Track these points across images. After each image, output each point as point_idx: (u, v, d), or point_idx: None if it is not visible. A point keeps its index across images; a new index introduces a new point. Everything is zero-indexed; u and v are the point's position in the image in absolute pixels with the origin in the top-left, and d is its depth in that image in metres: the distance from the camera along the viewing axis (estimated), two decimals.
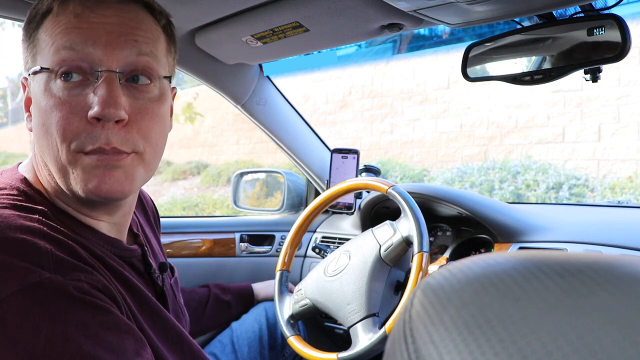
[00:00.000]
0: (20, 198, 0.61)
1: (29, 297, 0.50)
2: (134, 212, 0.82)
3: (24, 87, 0.67)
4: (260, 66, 1.37)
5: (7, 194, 0.61)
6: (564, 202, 4.38)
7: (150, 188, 7.93)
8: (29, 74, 0.63)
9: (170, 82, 0.69)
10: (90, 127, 0.59)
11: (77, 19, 0.59)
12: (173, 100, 0.75)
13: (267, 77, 1.40)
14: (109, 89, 0.58)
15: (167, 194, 7.66)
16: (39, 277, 0.51)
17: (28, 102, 0.65)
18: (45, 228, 0.57)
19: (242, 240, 1.49)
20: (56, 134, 0.59)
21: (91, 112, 0.58)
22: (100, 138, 0.59)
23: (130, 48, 0.61)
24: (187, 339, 0.72)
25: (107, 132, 0.59)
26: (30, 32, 0.63)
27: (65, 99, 0.59)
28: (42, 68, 0.60)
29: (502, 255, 0.26)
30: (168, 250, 1.38)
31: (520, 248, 1.10)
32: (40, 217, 0.58)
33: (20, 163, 0.71)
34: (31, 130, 0.65)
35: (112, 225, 0.70)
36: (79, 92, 0.59)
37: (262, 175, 1.82)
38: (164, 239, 1.37)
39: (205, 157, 8.63)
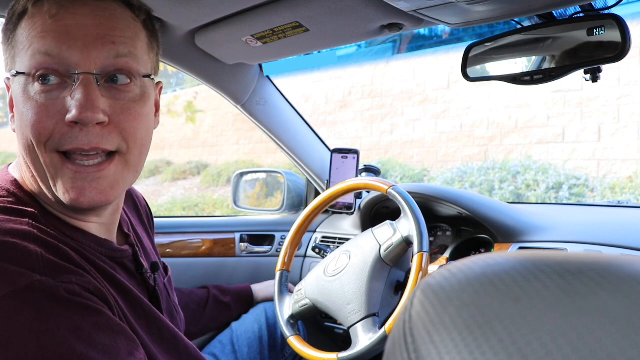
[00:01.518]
0: (10, 200, 0.61)
1: (20, 300, 0.50)
2: (126, 212, 0.82)
3: (8, 88, 0.66)
4: (260, 66, 1.37)
5: None
6: (564, 202, 4.38)
7: (150, 188, 7.94)
8: (10, 76, 0.63)
9: (152, 79, 0.67)
10: (67, 129, 0.58)
11: (52, 20, 0.58)
12: (160, 94, 0.74)
13: (267, 77, 1.40)
14: (86, 92, 0.57)
15: (167, 194, 7.66)
16: (30, 280, 0.51)
17: (12, 103, 0.65)
18: (35, 231, 0.57)
19: (242, 240, 1.49)
20: (32, 137, 0.59)
21: (69, 116, 0.57)
22: (79, 139, 0.58)
23: (108, 51, 0.60)
24: (182, 340, 0.72)
25: (88, 134, 0.58)
26: (9, 33, 0.62)
27: (42, 102, 0.58)
28: (18, 72, 0.59)
29: (502, 255, 0.26)
30: (168, 250, 1.38)
31: (520, 248, 1.10)
32: (30, 220, 0.58)
33: (11, 164, 0.71)
34: (14, 132, 0.65)
35: (102, 225, 0.69)
36: (57, 96, 0.58)
37: (262, 175, 1.82)
38: (164, 239, 1.37)
39: (205, 157, 8.63)
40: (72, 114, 0.57)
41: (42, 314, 0.50)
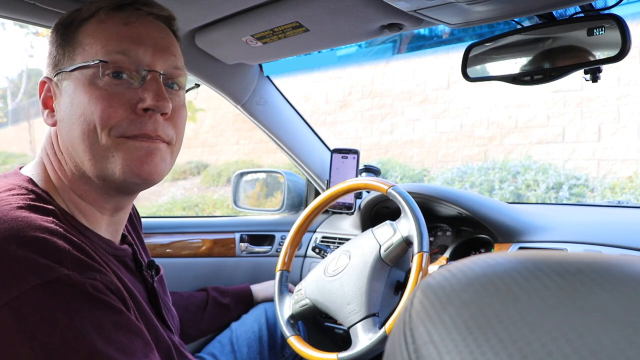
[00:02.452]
0: (31, 197, 0.63)
1: (48, 292, 0.52)
2: None
3: (42, 86, 0.71)
4: (260, 66, 1.37)
5: (17, 194, 0.63)
6: (564, 202, 4.38)
7: (150, 188, 7.91)
8: (62, 72, 0.67)
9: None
10: (135, 117, 0.65)
11: (126, 27, 0.67)
12: None
13: (267, 77, 1.40)
14: (159, 85, 0.67)
15: (167, 194, 7.66)
16: (58, 273, 0.53)
17: (49, 100, 0.70)
18: (60, 229, 0.59)
19: (242, 240, 1.49)
20: (97, 121, 0.64)
21: (144, 104, 0.65)
22: (147, 125, 0.66)
23: (170, 60, 0.70)
24: (175, 351, 0.74)
25: (154, 122, 0.66)
26: (69, 34, 0.68)
27: (113, 91, 0.65)
28: (100, 61, 0.64)
29: (502, 255, 0.26)
30: (168, 250, 1.38)
31: (520, 248, 1.10)
32: (54, 219, 0.60)
33: (21, 167, 0.73)
34: (53, 125, 0.69)
35: (110, 224, 0.73)
36: (126, 87, 0.66)
37: (262, 175, 1.82)
38: (164, 239, 1.38)
39: (205, 157, 8.63)
40: (147, 102, 0.65)
41: (68, 308, 0.52)
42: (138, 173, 0.66)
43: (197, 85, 0.79)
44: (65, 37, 0.68)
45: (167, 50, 0.70)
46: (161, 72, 0.68)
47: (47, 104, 0.70)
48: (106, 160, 0.65)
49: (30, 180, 0.67)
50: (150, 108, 0.65)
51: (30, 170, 0.70)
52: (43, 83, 0.71)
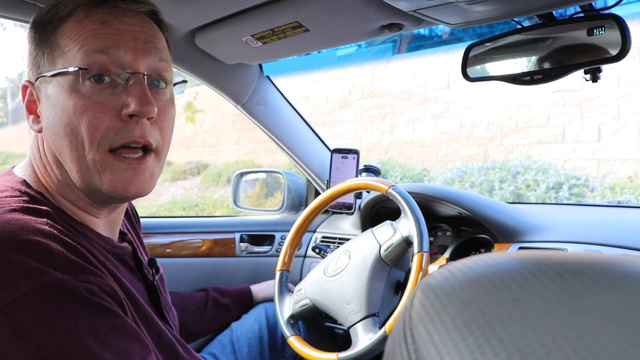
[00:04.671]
0: (25, 199, 0.62)
1: (42, 296, 0.51)
2: None
3: (25, 90, 0.67)
4: (260, 66, 1.37)
5: (10, 196, 0.62)
6: (564, 202, 4.38)
7: None
8: (43, 76, 0.64)
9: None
10: (122, 124, 0.63)
11: (104, 25, 0.63)
12: None
13: (267, 77, 1.40)
14: (143, 89, 0.63)
15: (167, 194, 7.65)
16: (52, 277, 0.52)
17: (33, 105, 0.67)
18: (54, 230, 0.58)
19: (242, 240, 1.49)
20: (85, 134, 0.62)
21: (128, 110, 0.62)
22: (134, 132, 0.63)
23: (154, 54, 0.66)
24: (180, 345, 0.73)
25: (141, 128, 0.64)
26: (48, 35, 0.65)
27: (97, 100, 0.62)
28: (80, 68, 0.61)
29: (502, 255, 0.26)
30: (168, 250, 1.38)
31: (520, 248, 1.10)
32: (48, 220, 0.59)
33: (14, 167, 0.71)
34: (39, 132, 0.66)
35: (107, 223, 0.72)
36: (110, 92, 0.63)
37: (262, 175, 1.82)
38: (164, 239, 1.38)
39: (205, 157, 8.63)
40: (132, 108, 0.62)
41: (63, 312, 0.51)
42: (124, 194, 0.65)
43: (185, 81, 0.75)
44: (44, 38, 0.65)
45: (149, 44, 0.66)
46: (145, 73, 0.65)
47: (31, 109, 0.67)
48: (93, 175, 0.63)
49: (24, 182, 0.66)
50: (135, 114, 0.63)
51: (23, 171, 0.69)
52: (25, 87, 0.68)
